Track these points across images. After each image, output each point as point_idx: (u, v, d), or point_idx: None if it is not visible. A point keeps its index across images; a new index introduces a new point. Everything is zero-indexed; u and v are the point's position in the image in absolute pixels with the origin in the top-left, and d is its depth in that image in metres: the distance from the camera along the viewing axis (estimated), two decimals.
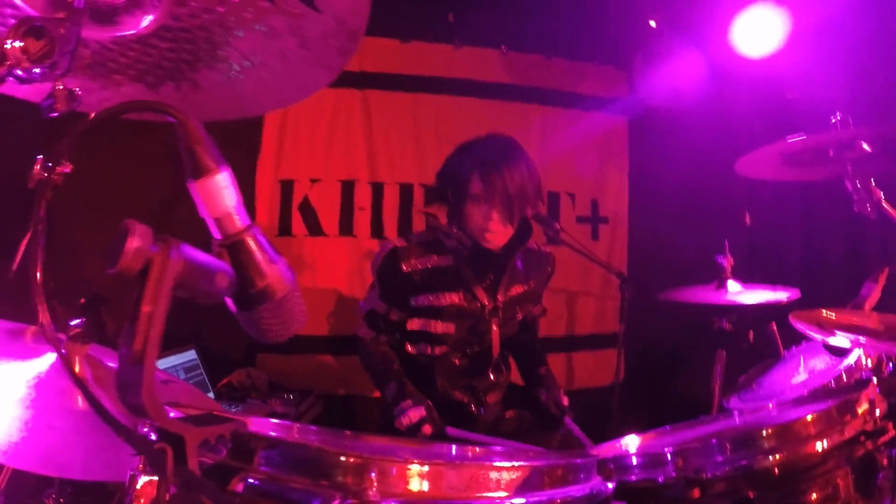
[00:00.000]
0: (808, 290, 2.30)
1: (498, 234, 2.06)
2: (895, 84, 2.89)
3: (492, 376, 2.22)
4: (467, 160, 2.07)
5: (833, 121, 1.70)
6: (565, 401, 2.11)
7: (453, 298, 2.13)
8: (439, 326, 2.14)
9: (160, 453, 0.71)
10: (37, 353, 1.13)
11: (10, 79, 0.79)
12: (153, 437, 0.80)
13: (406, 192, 3.28)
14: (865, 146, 1.67)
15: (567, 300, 3.50)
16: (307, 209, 3.18)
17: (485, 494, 0.90)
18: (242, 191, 0.85)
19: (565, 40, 3.49)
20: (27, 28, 0.77)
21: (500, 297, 2.18)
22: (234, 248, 0.84)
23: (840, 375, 1.66)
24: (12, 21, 0.79)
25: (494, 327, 2.17)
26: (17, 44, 0.77)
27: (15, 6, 0.84)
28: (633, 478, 1.14)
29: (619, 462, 1.15)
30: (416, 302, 2.14)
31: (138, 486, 0.79)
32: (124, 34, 0.94)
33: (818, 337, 1.46)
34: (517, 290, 2.22)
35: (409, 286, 2.12)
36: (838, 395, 1.30)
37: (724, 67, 3.29)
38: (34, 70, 0.79)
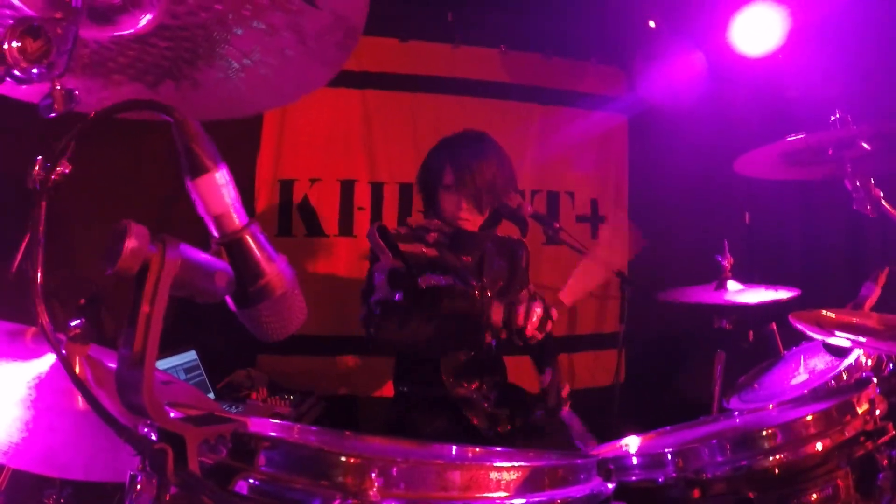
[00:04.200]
0: (808, 290, 2.30)
1: (469, 221, 2.21)
2: (894, 82, 2.89)
3: (492, 372, 2.25)
4: (442, 153, 2.24)
5: (832, 119, 1.70)
6: (566, 391, 2.12)
7: (448, 282, 2.17)
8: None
9: (160, 453, 0.71)
10: (37, 354, 1.13)
11: (8, 79, 0.78)
12: (153, 437, 0.80)
13: (406, 191, 3.27)
14: (865, 145, 1.67)
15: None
16: (307, 209, 3.18)
17: (485, 495, 0.90)
18: (242, 190, 0.85)
19: (564, 39, 3.49)
20: (25, 28, 0.77)
21: (485, 280, 2.24)
22: (233, 247, 0.83)
23: (840, 375, 1.66)
24: (10, 21, 0.79)
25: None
26: (15, 44, 0.77)
27: (12, 6, 0.84)
28: (634, 478, 1.14)
29: (620, 462, 1.15)
30: (421, 282, 2.15)
31: (139, 487, 0.79)
32: (123, 33, 0.94)
33: (818, 337, 1.45)
34: (498, 273, 2.31)
35: (409, 263, 2.14)
36: (838, 395, 1.30)
37: (723, 66, 3.29)
38: (32, 70, 0.78)
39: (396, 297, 2.08)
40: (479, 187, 2.15)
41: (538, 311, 1.94)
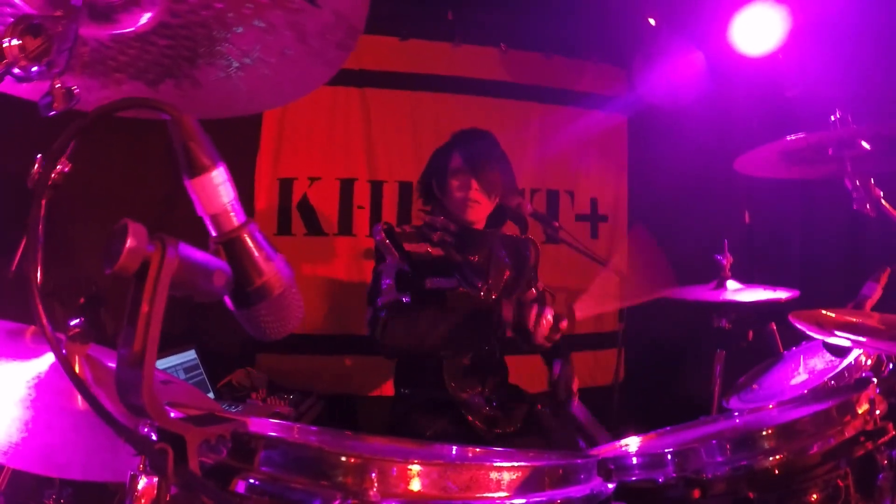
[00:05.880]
0: (808, 290, 2.30)
1: (480, 203, 2.20)
2: (894, 81, 2.89)
3: (494, 374, 2.26)
4: (448, 145, 2.31)
5: (832, 119, 1.70)
6: (576, 385, 2.13)
7: (453, 283, 2.18)
8: None
9: (161, 453, 0.71)
10: (36, 354, 1.13)
11: (8, 77, 0.78)
12: (154, 437, 0.80)
13: (405, 190, 3.27)
14: (865, 144, 1.67)
15: (566, 299, 3.49)
16: (306, 208, 3.18)
17: (485, 495, 0.90)
18: (241, 189, 0.85)
19: (564, 38, 3.49)
20: (25, 26, 0.77)
21: (490, 281, 2.24)
22: (231, 246, 0.83)
23: (840, 375, 1.66)
24: (10, 19, 0.79)
25: None
26: (15, 42, 0.76)
27: (13, 4, 0.84)
28: (634, 478, 1.14)
29: (620, 462, 1.15)
30: (426, 283, 2.15)
31: (139, 487, 0.79)
32: (123, 32, 0.94)
33: (818, 336, 1.45)
34: (504, 273, 2.30)
35: (414, 264, 2.15)
36: (838, 395, 1.30)
37: (723, 65, 3.29)
38: (32, 68, 0.78)
39: (404, 299, 2.07)
40: (487, 165, 2.19)
41: (549, 317, 1.93)
